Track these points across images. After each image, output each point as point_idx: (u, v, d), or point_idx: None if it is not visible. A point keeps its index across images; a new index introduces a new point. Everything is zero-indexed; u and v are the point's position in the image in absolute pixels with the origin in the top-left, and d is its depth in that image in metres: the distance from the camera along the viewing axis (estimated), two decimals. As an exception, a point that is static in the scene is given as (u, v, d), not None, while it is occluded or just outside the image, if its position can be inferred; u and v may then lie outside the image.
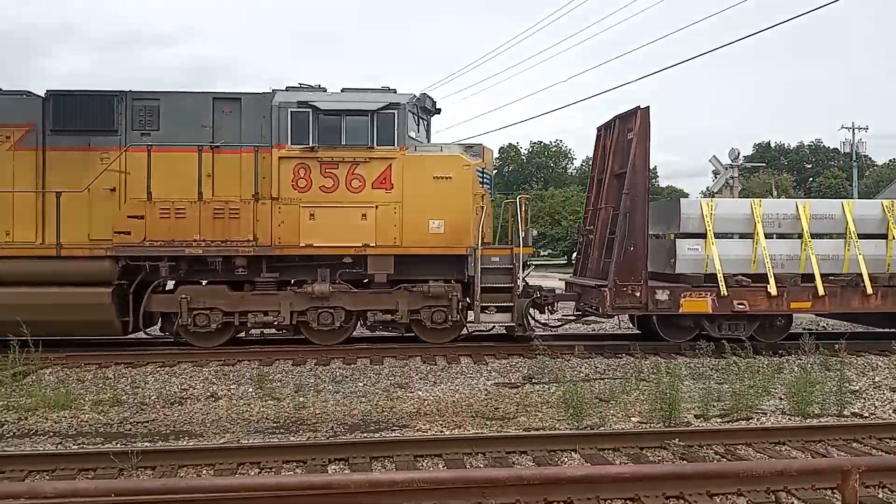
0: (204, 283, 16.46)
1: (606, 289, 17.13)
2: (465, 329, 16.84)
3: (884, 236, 17.48)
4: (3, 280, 15.72)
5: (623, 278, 17.14)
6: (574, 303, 17.89)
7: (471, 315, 16.48)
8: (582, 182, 69.34)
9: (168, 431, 10.50)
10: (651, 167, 19.78)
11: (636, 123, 17.76)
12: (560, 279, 20.76)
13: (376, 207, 16.07)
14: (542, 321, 18.17)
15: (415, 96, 17.17)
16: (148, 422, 10.88)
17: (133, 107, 16.29)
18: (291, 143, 16.02)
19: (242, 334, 16.82)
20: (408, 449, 9.21)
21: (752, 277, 17.32)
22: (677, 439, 9.77)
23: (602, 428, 10.49)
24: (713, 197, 29.02)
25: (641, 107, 17.68)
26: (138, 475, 8.55)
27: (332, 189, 16.16)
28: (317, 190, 16.17)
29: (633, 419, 11.13)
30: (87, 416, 11.10)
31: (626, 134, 17.79)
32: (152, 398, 12.14)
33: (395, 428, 10.63)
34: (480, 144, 17.42)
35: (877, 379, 14.09)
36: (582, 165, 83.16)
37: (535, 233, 18.23)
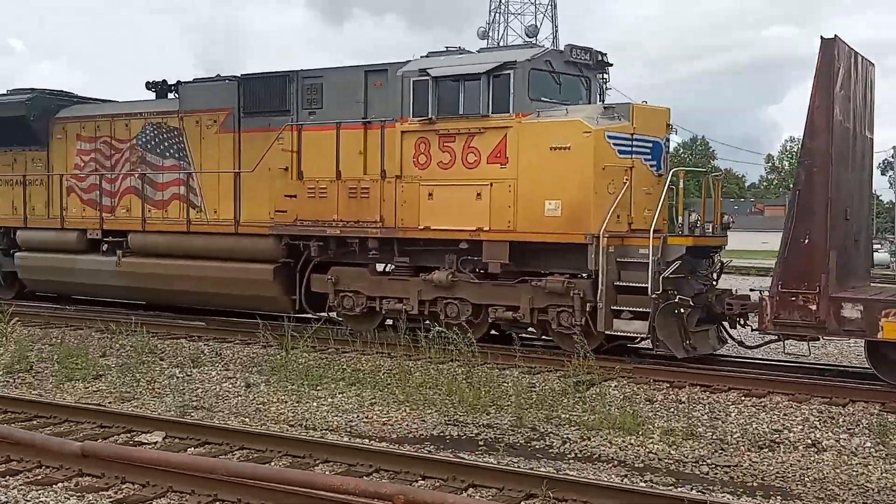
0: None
1: (767, 297, 13.58)
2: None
3: None
4: (196, 254, 18.30)
5: (791, 284, 13.43)
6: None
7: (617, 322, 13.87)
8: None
9: (754, 484, 8.91)
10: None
11: (818, 60, 13.15)
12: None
13: (490, 185, 14.70)
14: (737, 339, 14.37)
15: (544, 51, 15.42)
16: (729, 466, 9.46)
17: (302, 85, 17.31)
18: (413, 116, 15.52)
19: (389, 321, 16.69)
20: None
21: None
22: None
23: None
24: None
25: (825, 37, 13.02)
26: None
27: (448, 165, 15.20)
28: (435, 166, 15.38)
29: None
30: (655, 446, 10.01)
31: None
32: (735, 436, 10.57)
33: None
34: (628, 104, 14.65)
35: None
36: None
37: (693, 217, 14.43)
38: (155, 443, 9.21)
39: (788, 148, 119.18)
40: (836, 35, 12.62)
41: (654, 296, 13.63)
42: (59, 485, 7.93)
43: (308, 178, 16.95)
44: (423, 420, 10.87)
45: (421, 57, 16.25)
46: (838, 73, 12.73)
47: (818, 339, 14.58)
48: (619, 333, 14.16)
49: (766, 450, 10.05)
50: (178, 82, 19.49)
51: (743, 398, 12.19)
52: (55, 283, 21.35)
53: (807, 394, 12.29)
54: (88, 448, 4.42)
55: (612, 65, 15.81)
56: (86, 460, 7.87)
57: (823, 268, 12.63)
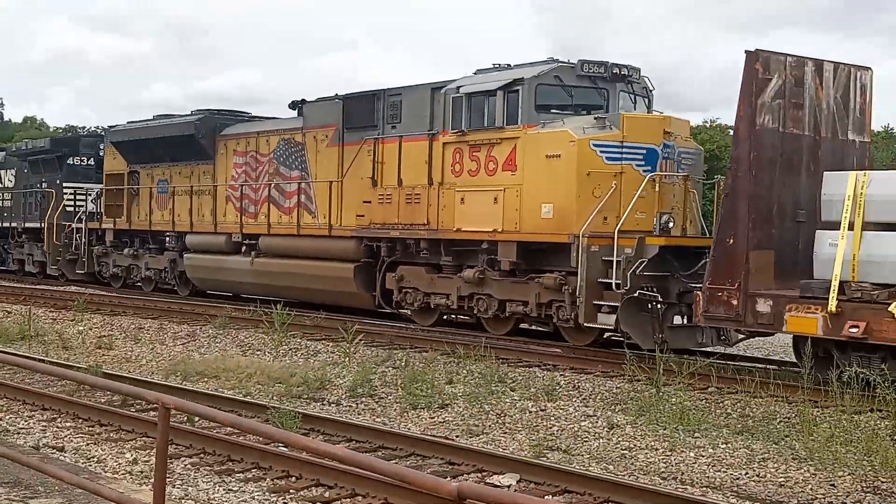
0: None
1: (699, 293, 15.63)
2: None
3: None
4: (301, 254, 22.57)
5: (717, 281, 15.32)
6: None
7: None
8: None
9: None
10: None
11: (742, 73, 15.05)
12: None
13: (503, 190, 17.73)
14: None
15: (553, 67, 17.98)
16: None
17: (386, 102, 21.16)
18: (451, 129, 18.84)
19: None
20: None
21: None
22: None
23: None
24: None
25: (748, 49, 14.92)
26: None
27: (475, 172, 18.34)
28: (466, 174, 18.52)
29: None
30: None
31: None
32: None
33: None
34: (620, 114, 17.19)
35: None
36: None
37: (665, 219, 16.02)
38: (509, 486, 8.67)
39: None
40: (757, 49, 15.02)
41: (621, 291, 16.62)
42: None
43: (381, 185, 21.29)
44: (833, 484, 9.39)
45: (471, 74, 20.14)
46: (767, 84, 15.15)
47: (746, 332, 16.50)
48: (596, 326, 17.22)
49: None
50: (303, 100, 24.51)
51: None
52: (212, 281, 26.92)
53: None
54: (465, 490, 3.85)
55: (630, 74, 18.82)
56: (462, 504, 7.33)
57: (744, 267, 15.04)
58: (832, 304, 13.69)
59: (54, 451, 9.64)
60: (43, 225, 33.76)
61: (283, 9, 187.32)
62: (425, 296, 20.19)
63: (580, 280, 16.84)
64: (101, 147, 32.54)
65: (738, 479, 9.67)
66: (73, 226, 32.10)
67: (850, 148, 16.13)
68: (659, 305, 16.35)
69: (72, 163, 34.37)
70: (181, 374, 14.62)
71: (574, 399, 13.55)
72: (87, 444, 10.03)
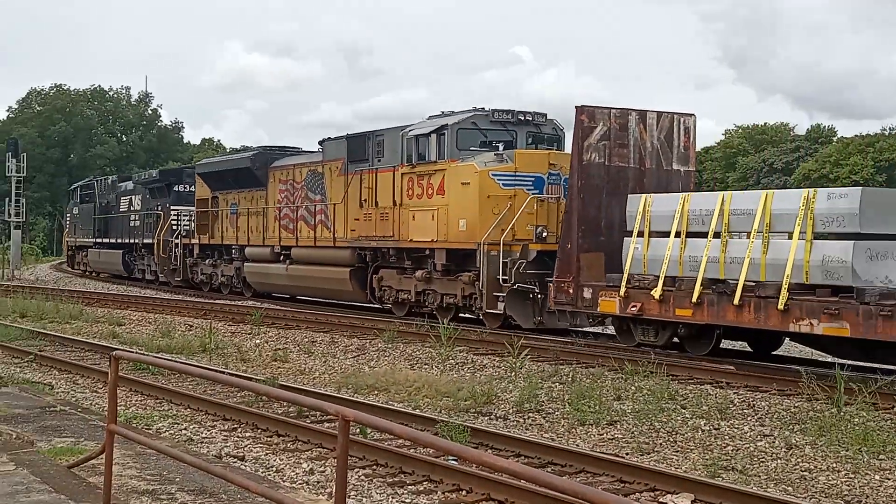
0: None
1: (550, 285, 20.37)
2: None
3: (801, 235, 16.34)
4: (315, 261, 28.29)
5: (561, 276, 20.08)
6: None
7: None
8: None
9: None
10: None
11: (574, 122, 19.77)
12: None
13: (437, 209, 22.90)
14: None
15: (470, 115, 23.10)
16: None
17: (375, 141, 27.29)
18: (405, 163, 24.28)
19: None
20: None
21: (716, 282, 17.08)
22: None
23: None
24: None
25: (577, 105, 19.63)
26: None
27: (421, 196, 23.51)
28: (415, 197, 23.73)
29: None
30: None
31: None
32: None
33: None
34: (514, 151, 22.28)
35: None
36: None
37: (539, 229, 20.53)
38: None
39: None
40: (583, 105, 19.87)
41: (508, 285, 21.69)
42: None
43: (366, 206, 26.77)
44: None
45: (424, 119, 25.47)
46: (593, 130, 20.00)
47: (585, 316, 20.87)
48: (492, 311, 22.29)
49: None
50: (324, 140, 30.33)
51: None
52: (262, 284, 32.83)
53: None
54: None
55: (533, 119, 23.75)
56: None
57: (576, 265, 19.91)
58: (622, 290, 18.52)
59: (235, 459, 9.77)
60: (153, 241, 40.44)
61: (447, 26, 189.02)
62: (397, 292, 25.56)
63: (482, 277, 21.95)
64: (197, 177, 39.20)
65: (928, 504, 8.76)
66: (172, 241, 38.58)
67: (674, 176, 20.80)
68: (536, 295, 21.29)
69: (177, 189, 40.95)
70: (352, 387, 14.54)
71: (749, 418, 12.78)
72: (266, 454, 10.14)
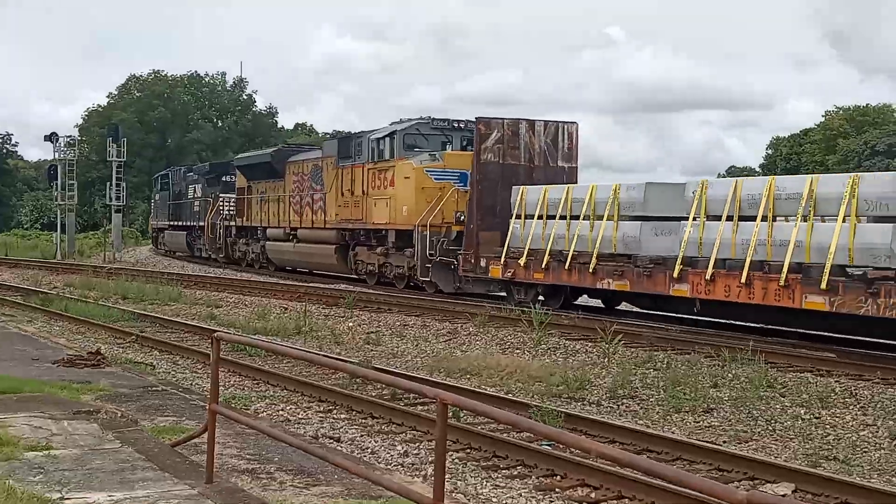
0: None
1: (460, 256, 25.62)
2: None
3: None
4: (310, 240, 34.10)
5: (467, 249, 25.29)
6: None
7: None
8: None
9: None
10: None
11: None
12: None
13: (390, 198, 28.40)
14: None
15: (415, 122, 28.51)
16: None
17: (354, 142, 32.68)
18: (369, 160, 30.12)
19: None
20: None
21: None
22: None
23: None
24: None
25: (477, 117, 24.97)
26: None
27: (379, 187, 29.07)
28: (376, 188, 29.27)
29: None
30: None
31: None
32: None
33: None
34: (444, 152, 27.66)
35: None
36: None
37: (458, 214, 25.61)
38: (784, 495, 7.98)
39: None
40: (480, 117, 25.13)
41: (434, 258, 27.07)
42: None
43: (347, 194, 32.36)
44: None
45: (387, 124, 30.94)
46: (489, 136, 25.16)
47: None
48: (425, 279, 27.69)
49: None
50: (326, 140, 35.99)
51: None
52: (279, 259, 38.62)
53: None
54: (757, 500, 3.01)
55: (466, 126, 28.80)
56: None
57: (475, 241, 25.17)
58: (502, 260, 23.79)
59: (332, 441, 9.77)
60: (205, 224, 46.67)
61: (540, 7, 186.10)
62: (367, 265, 31.19)
63: (416, 252, 27.39)
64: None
65: None
66: (218, 224, 44.80)
67: (560, 172, 25.89)
68: (455, 266, 26.67)
69: (225, 179, 46.99)
70: (444, 371, 14.33)
71: (851, 407, 12.33)
72: (361, 436, 10.07)
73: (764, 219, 17.03)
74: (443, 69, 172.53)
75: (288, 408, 11.67)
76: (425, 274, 27.45)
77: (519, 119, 25.60)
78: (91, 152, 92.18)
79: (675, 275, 18.73)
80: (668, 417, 11.54)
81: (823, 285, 15.53)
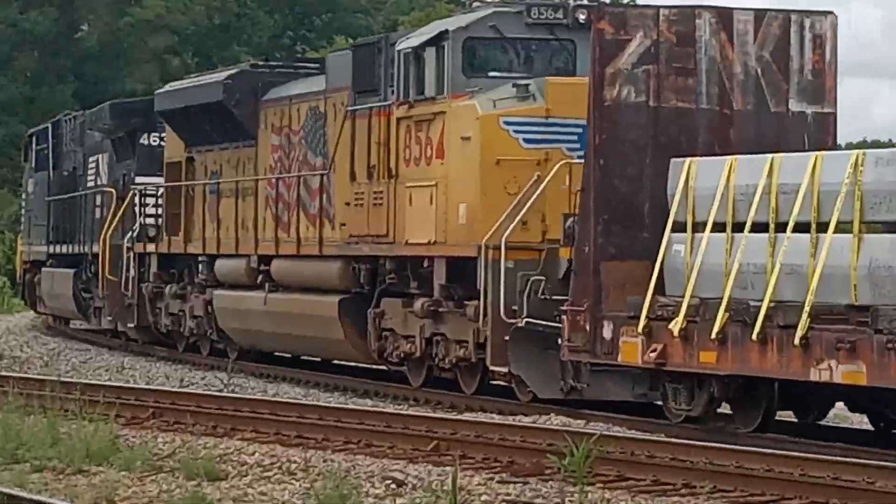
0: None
1: (564, 318, 27.54)
2: None
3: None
4: (289, 283, 37.80)
5: (576, 300, 27.25)
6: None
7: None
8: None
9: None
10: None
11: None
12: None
13: (435, 185, 31.41)
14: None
15: (487, 15, 30.95)
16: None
17: (387, 55, 35.33)
18: (399, 98, 32.97)
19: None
20: None
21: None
22: None
23: None
24: None
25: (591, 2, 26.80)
26: None
27: (419, 160, 32.37)
28: (412, 163, 32.56)
29: None
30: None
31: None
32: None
33: None
34: (545, 79, 29.68)
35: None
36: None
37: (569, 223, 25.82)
38: None
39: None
40: (604, 3, 27.26)
41: (511, 319, 29.42)
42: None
43: (359, 177, 35.29)
44: None
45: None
46: (624, 46, 26.96)
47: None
48: (500, 369, 30.07)
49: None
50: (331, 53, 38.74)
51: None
52: (239, 331, 41.58)
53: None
54: None
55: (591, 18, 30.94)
56: None
57: (593, 282, 27.39)
58: (641, 321, 26.22)
59: None
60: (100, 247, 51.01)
61: None
62: (404, 341, 34.28)
63: (483, 306, 30.05)
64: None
65: None
66: (125, 248, 49.45)
67: (797, 122, 27.99)
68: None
69: (144, 143, 52.21)
70: None
71: None
72: None
73: None
74: None
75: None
76: (501, 358, 29.85)
77: (694, 7, 27.79)
78: None
79: None
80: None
81: None
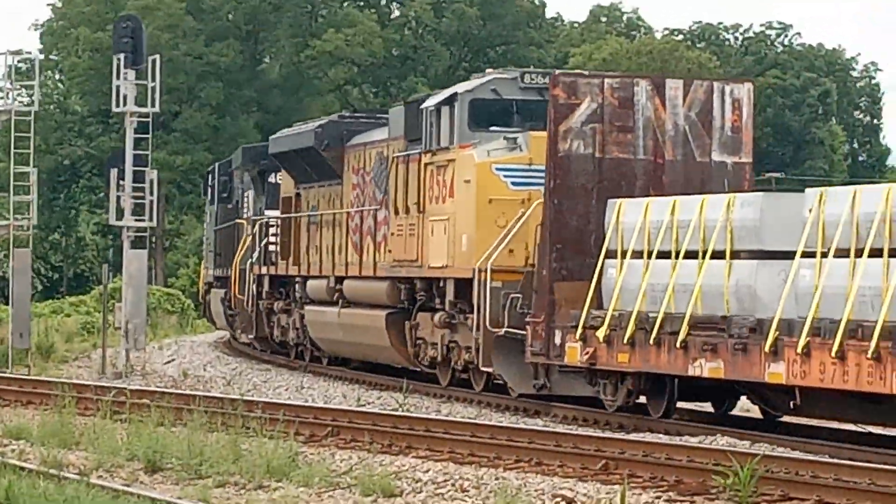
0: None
1: (528, 326, 34.44)
2: None
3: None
4: (355, 300, 44.88)
5: (536, 313, 34.10)
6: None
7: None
8: None
9: None
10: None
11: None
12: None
13: (447, 219, 38.43)
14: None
15: (489, 80, 37.58)
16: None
17: (428, 111, 42.10)
18: (426, 147, 39.59)
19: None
20: None
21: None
22: None
23: None
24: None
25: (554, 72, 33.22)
26: None
27: (439, 198, 39.11)
28: (434, 201, 39.18)
29: None
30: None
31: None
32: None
33: None
34: (529, 133, 36.17)
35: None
36: None
37: None
38: None
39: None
40: (560, 73, 33.73)
41: (496, 330, 36.16)
42: None
43: (400, 211, 42.27)
44: None
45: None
46: (574, 108, 33.36)
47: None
48: (489, 370, 36.82)
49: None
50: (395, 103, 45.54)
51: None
52: (325, 340, 49.11)
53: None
54: None
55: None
56: None
57: (547, 299, 34.16)
58: (579, 329, 33.16)
59: None
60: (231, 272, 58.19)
61: None
62: (431, 347, 41.36)
63: (476, 319, 37.00)
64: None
65: None
66: (247, 271, 57.20)
67: (718, 170, 34.39)
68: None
69: (272, 181, 58.34)
70: None
71: None
72: None
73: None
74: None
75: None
76: (489, 361, 36.48)
77: (632, 76, 34.53)
78: (71, 93, 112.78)
79: (768, 347, 27.24)
80: None
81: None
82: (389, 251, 43.55)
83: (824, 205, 27.06)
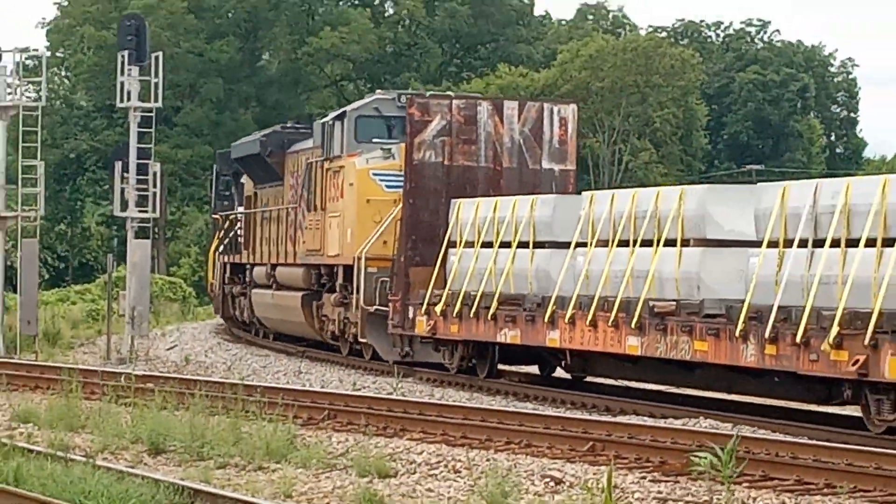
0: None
1: (389, 304, 42.49)
2: None
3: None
4: (283, 284, 53.23)
5: (395, 293, 41.93)
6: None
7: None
8: None
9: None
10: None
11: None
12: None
13: (339, 216, 46.25)
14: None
15: (372, 100, 45.64)
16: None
17: (328, 126, 50.00)
18: (326, 155, 47.64)
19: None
20: None
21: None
22: None
23: None
24: None
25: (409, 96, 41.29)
26: None
27: (334, 198, 46.89)
28: (330, 200, 47.04)
29: None
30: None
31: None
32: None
33: None
34: (400, 144, 43.32)
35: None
36: None
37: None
38: None
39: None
40: (414, 95, 41.58)
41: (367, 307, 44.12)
42: None
43: (314, 208, 50.33)
44: None
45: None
46: (427, 124, 40.63)
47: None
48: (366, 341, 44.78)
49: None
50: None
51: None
52: (267, 319, 57.26)
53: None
54: None
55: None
56: None
57: (404, 281, 41.74)
58: (424, 305, 41.38)
59: None
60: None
61: None
62: (331, 322, 49.12)
63: (355, 298, 45.15)
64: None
65: None
66: (217, 260, 65.30)
67: (546, 176, 42.00)
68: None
69: (243, 181, 65.74)
70: None
71: None
72: None
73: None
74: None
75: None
76: (364, 333, 44.24)
77: (475, 98, 42.18)
78: (77, 89, 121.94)
79: (547, 318, 34.63)
80: None
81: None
82: (304, 242, 51.13)
83: (593, 205, 34.37)
